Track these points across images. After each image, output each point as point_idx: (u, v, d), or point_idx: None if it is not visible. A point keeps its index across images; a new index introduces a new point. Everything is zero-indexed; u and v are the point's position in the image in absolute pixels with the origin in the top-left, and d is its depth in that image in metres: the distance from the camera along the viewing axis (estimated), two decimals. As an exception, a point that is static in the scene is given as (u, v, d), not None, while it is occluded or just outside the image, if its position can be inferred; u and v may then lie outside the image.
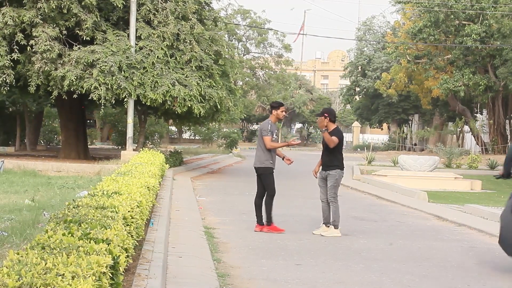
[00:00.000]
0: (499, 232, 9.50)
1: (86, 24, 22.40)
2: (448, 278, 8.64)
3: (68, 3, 22.01)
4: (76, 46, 22.65)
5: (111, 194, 7.75)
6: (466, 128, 51.27)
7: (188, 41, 23.81)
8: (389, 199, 19.10)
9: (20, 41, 22.11)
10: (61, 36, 22.59)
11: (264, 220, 12.00)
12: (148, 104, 23.27)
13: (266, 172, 11.97)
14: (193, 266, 8.30)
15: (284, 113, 12.20)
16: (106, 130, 53.76)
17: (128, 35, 23.55)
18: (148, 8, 23.89)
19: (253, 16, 58.65)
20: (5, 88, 22.78)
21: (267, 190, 11.99)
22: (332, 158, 11.96)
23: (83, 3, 22.34)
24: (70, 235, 4.94)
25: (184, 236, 10.50)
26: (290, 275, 8.42)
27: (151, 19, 23.95)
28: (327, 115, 11.96)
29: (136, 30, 23.55)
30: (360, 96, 70.26)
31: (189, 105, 23.10)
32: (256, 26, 58.02)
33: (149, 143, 40.79)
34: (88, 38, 22.70)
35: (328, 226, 11.95)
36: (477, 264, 9.73)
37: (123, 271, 5.09)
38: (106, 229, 5.41)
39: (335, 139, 11.86)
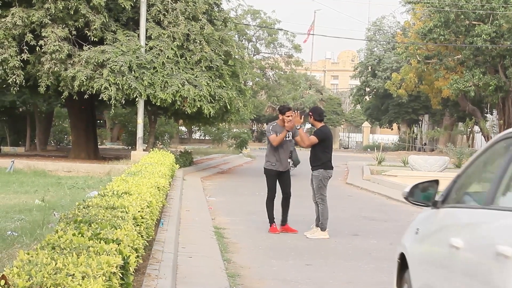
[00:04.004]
0: None
1: (94, 25, 22.44)
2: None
3: (76, 4, 22.05)
4: (86, 46, 22.69)
5: (121, 194, 7.75)
6: (476, 128, 51.07)
7: (198, 41, 23.81)
8: (399, 199, 19.01)
9: (30, 42, 22.15)
10: (70, 36, 22.64)
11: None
12: (158, 104, 23.28)
13: (265, 173, 12.17)
14: (203, 266, 8.30)
15: (289, 117, 11.88)
16: (116, 130, 53.84)
17: (138, 35, 23.57)
18: (158, 9, 23.91)
19: (263, 16, 58.61)
20: (15, 88, 22.87)
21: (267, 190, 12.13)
22: (314, 158, 11.75)
23: (91, 4, 22.38)
24: (80, 235, 4.94)
25: (194, 236, 10.49)
26: (300, 275, 8.41)
27: (161, 20, 23.98)
28: (311, 114, 11.94)
29: (146, 30, 23.59)
30: (370, 96, 70.11)
31: (199, 105, 23.11)
32: (266, 26, 57.97)
33: (159, 143, 40.87)
34: (96, 39, 22.74)
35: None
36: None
37: (133, 271, 5.09)
38: (116, 229, 5.40)
39: (313, 138, 11.67)
